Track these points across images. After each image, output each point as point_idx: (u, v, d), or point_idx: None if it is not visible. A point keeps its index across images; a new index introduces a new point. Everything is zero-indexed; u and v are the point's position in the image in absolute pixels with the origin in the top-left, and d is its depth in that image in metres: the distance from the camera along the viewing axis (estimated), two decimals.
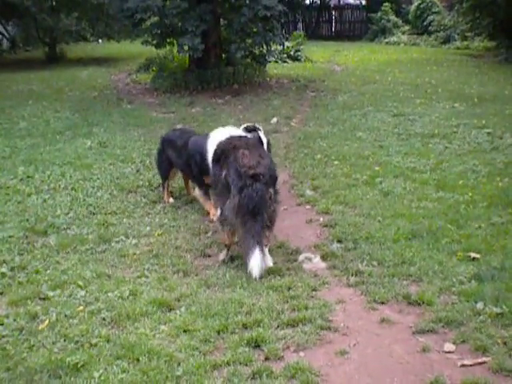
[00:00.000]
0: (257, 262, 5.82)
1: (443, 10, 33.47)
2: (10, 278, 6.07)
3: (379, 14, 35.48)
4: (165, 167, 8.56)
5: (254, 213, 5.94)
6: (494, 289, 5.52)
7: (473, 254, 6.30)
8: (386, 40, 34.27)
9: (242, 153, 6.20)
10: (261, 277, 5.85)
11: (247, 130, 7.67)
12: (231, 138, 6.72)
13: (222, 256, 6.49)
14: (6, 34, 30.32)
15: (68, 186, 9.04)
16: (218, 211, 6.46)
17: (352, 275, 6.01)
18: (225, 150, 6.46)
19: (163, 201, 8.42)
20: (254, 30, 17.04)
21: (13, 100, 16.73)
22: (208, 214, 7.79)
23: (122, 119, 13.78)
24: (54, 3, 25.68)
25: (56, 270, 6.26)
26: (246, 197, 5.94)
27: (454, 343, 4.81)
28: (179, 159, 8.22)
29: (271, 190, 6.17)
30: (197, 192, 8.00)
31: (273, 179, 6.28)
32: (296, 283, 5.83)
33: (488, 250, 6.43)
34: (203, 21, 16.23)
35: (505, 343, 4.73)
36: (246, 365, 4.53)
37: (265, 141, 8.07)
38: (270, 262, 6.25)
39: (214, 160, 6.71)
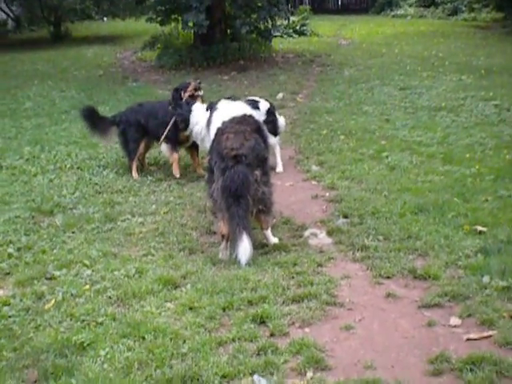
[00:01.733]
0: (244, 249, 5.64)
1: None
2: (17, 259, 6.09)
3: None
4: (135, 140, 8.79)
5: (237, 195, 5.68)
6: (500, 262, 5.48)
7: (479, 228, 6.26)
8: (393, 13, 33.96)
9: (225, 136, 5.98)
10: (248, 263, 5.71)
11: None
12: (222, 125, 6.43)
13: (221, 252, 6.06)
14: (10, 13, 30.23)
15: (74, 165, 9.06)
16: (208, 198, 6.33)
17: (358, 250, 5.99)
18: (214, 138, 6.33)
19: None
20: (259, 4, 16.93)
21: (18, 80, 16.73)
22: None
23: (127, 97, 13.74)
24: None
25: (62, 249, 6.28)
26: (228, 179, 5.72)
27: (459, 317, 4.78)
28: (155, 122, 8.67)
29: (257, 172, 5.91)
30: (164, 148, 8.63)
31: (259, 160, 5.98)
32: (302, 259, 5.82)
33: (495, 223, 6.39)
34: None
35: (511, 317, 4.70)
36: (251, 341, 4.53)
37: (263, 109, 8.33)
38: (274, 240, 6.24)
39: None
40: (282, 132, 9.02)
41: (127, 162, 8.78)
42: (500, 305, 4.88)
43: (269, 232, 6.25)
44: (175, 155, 8.51)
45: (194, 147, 8.61)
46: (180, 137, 8.43)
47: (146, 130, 8.72)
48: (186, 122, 8.08)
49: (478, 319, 4.73)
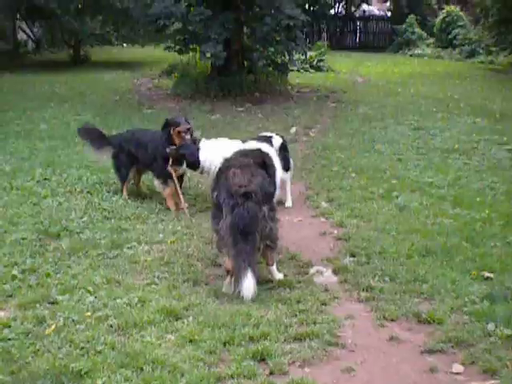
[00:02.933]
0: (248, 286, 5.57)
1: (468, 24, 33.31)
2: (21, 281, 6.07)
3: (404, 25, 35.40)
4: (126, 167, 8.89)
5: (246, 232, 5.66)
6: (506, 310, 5.43)
7: (486, 274, 6.21)
8: (410, 52, 34.15)
9: (232, 172, 5.93)
10: (253, 299, 5.64)
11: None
12: (226, 160, 6.45)
13: (225, 286, 5.99)
14: (31, 35, 30.61)
15: (84, 189, 9.06)
16: (214, 234, 6.27)
17: (363, 290, 5.95)
18: (218, 172, 6.31)
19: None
20: (277, 38, 17.07)
21: (35, 101, 16.85)
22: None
23: (141, 124, 13.76)
24: (79, 6, 25.83)
25: (66, 274, 6.26)
26: (237, 216, 5.68)
27: (462, 364, 4.73)
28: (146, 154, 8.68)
29: (265, 208, 5.91)
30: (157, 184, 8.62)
31: (267, 196, 6.01)
32: (306, 297, 5.78)
33: (502, 269, 6.34)
34: (226, 28, 16.27)
35: None
36: (250, 378, 4.48)
37: (276, 145, 8.30)
38: (279, 275, 6.20)
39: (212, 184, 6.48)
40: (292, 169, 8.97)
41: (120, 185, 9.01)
42: (504, 353, 4.82)
43: (274, 268, 6.22)
44: (168, 190, 8.47)
45: (180, 178, 8.55)
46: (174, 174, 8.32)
47: (137, 158, 8.80)
48: (196, 162, 7.98)
49: (481, 367, 4.68)
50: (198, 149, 8.02)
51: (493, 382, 4.50)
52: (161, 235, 7.40)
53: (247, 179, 5.88)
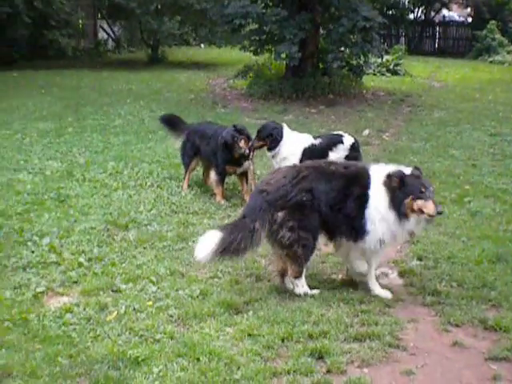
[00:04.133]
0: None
1: None
2: (86, 269, 6.18)
3: (484, 31, 34.49)
4: (189, 156, 9.06)
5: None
6: None
7: None
8: (490, 59, 33.25)
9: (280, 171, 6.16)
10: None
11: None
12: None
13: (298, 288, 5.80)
14: (111, 34, 31.31)
15: (154, 183, 9.17)
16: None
17: (428, 294, 5.79)
18: None
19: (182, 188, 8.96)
20: (353, 40, 16.92)
21: (112, 98, 17.20)
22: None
23: (214, 121, 13.86)
24: (158, 6, 26.26)
25: (131, 264, 6.33)
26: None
27: None
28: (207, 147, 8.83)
29: (280, 214, 5.62)
30: (213, 176, 8.70)
31: (288, 203, 5.66)
32: (369, 298, 5.68)
33: None
34: (302, 29, 16.23)
35: None
36: (307, 375, 4.43)
37: (347, 144, 8.40)
38: (299, 290, 5.80)
39: None
40: None
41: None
42: None
43: (295, 280, 5.82)
44: (220, 188, 8.57)
45: (243, 174, 8.68)
46: (228, 169, 8.54)
47: (199, 150, 8.97)
48: (276, 142, 8.22)
49: None
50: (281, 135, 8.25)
51: None
52: None
53: (277, 179, 5.83)
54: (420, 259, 6.66)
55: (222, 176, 8.58)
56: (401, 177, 5.56)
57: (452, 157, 11.19)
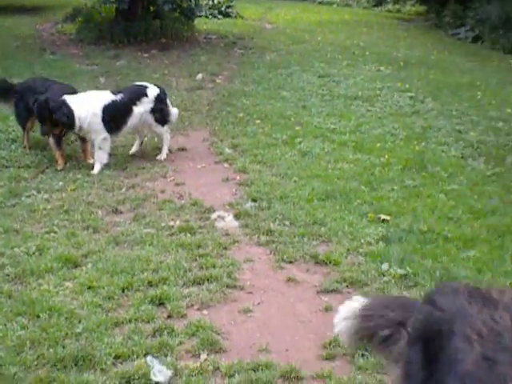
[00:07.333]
0: None
1: None
2: None
3: None
4: (23, 116, 8.43)
5: None
6: (400, 251, 5.64)
7: (383, 216, 6.41)
8: (319, 0, 34.13)
9: None
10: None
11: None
12: None
13: None
14: None
15: None
16: None
17: (263, 234, 6.04)
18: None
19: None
20: None
21: None
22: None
23: (43, 70, 13.30)
24: None
25: None
26: None
27: None
28: None
29: None
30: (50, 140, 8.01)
31: None
32: (206, 241, 5.83)
33: (398, 212, 6.56)
34: None
35: None
36: (148, 322, 4.52)
37: (152, 95, 8.14)
38: None
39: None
40: (173, 122, 8.68)
41: None
42: (396, 292, 5.00)
43: None
44: (58, 152, 7.96)
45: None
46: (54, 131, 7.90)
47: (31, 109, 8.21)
48: (71, 122, 7.63)
49: None
50: (70, 110, 7.61)
51: None
52: (61, 183, 7.27)
53: None
54: (254, 200, 6.86)
55: (54, 139, 7.93)
56: None
57: (283, 99, 11.49)
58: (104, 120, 7.73)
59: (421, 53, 17.51)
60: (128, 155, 8.36)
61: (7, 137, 8.81)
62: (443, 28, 23.28)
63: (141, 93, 8.12)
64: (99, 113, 7.74)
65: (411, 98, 11.81)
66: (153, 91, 8.21)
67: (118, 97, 7.94)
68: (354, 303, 3.20)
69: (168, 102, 8.49)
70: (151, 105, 8.12)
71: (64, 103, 7.58)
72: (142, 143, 8.56)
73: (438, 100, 11.64)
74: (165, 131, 8.39)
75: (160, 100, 8.23)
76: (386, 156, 8.26)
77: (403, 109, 11.04)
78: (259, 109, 10.64)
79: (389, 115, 10.53)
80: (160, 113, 8.17)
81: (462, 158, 8.51)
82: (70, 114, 7.56)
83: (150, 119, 8.16)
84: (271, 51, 16.75)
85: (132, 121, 8.02)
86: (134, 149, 8.46)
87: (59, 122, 7.60)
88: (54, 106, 7.55)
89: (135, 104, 8.01)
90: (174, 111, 8.59)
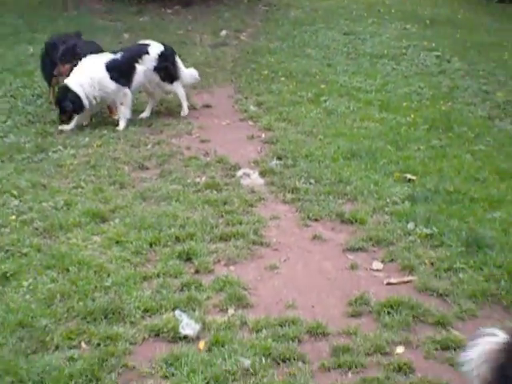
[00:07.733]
0: None
1: None
2: None
3: None
4: (49, 71, 8.36)
5: None
6: (426, 210, 5.63)
7: (409, 176, 6.38)
8: None
9: None
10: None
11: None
12: None
13: None
14: None
15: (7, 93, 8.83)
16: None
17: (288, 192, 6.05)
18: None
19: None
20: None
21: None
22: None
23: (66, 26, 13.29)
24: None
25: None
26: None
27: (382, 262, 4.91)
28: None
29: None
30: None
31: None
32: (232, 198, 5.85)
33: (424, 172, 6.52)
34: None
35: (432, 263, 4.84)
36: (176, 277, 4.57)
37: (154, 53, 8.03)
38: None
39: None
40: (189, 82, 8.60)
41: None
42: (422, 251, 5.02)
43: None
44: None
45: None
46: None
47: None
48: (81, 105, 7.62)
49: (400, 264, 4.86)
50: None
51: (410, 278, 4.70)
52: (87, 139, 7.32)
53: None
54: (280, 158, 6.86)
55: None
56: None
57: (308, 56, 11.39)
58: (113, 78, 7.69)
59: (447, 11, 17.17)
60: (153, 112, 8.35)
61: (33, 92, 8.86)
62: None
63: (142, 51, 8.03)
64: (105, 73, 7.69)
65: (437, 57, 11.63)
66: (155, 49, 8.10)
67: (118, 55, 7.89)
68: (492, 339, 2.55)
69: (177, 60, 8.35)
70: (154, 63, 8.02)
71: (67, 89, 7.55)
72: (152, 108, 8.43)
73: (464, 60, 11.45)
74: (176, 88, 8.29)
75: (165, 58, 8.12)
76: (412, 115, 8.18)
77: (429, 68, 10.89)
78: (284, 66, 10.56)
79: (415, 74, 10.41)
80: (165, 70, 8.07)
81: (489, 118, 8.40)
82: (75, 98, 7.53)
83: (156, 77, 8.08)
84: (296, 8, 16.52)
85: (137, 78, 7.94)
86: (144, 114, 8.28)
87: (67, 110, 7.62)
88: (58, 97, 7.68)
89: (137, 62, 7.93)
90: (190, 72, 8.52)
